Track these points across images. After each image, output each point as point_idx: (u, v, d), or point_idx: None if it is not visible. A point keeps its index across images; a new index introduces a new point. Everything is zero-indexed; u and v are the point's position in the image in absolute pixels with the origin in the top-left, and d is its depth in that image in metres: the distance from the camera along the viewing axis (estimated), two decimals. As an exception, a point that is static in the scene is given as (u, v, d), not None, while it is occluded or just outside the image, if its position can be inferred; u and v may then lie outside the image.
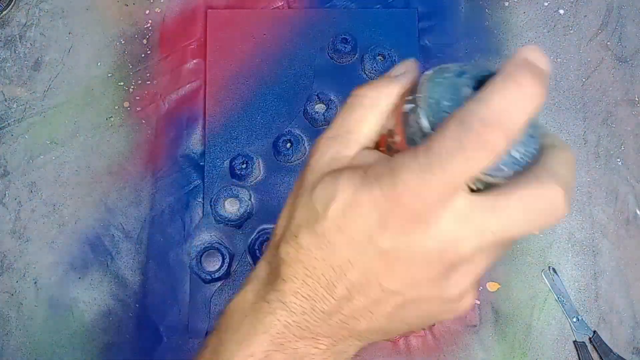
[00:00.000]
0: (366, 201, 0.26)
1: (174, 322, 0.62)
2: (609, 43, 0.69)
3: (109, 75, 0.67)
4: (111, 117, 0.66)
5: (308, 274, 0.29)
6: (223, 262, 0.62)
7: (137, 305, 0.62)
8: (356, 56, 0.67)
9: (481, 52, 0.68)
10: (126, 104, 0.66)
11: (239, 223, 0.63)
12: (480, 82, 0.27)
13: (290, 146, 0.64)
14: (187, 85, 0.67)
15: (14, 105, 0.66)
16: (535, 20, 0.69)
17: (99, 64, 0.67)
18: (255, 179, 0.64)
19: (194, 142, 0.66)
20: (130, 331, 0.61)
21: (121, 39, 0.68)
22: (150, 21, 0.68)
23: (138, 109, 0.66)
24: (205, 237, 0.63)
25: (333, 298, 0.29)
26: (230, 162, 0.64)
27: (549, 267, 0.64)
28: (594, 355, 0.61)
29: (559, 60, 0.69)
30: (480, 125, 0.23)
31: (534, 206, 0.26)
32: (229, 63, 0.67)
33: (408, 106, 0.30)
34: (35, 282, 0.62)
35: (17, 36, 0.68)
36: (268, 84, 0.67)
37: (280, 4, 0.69)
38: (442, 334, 0.62)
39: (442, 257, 0.26)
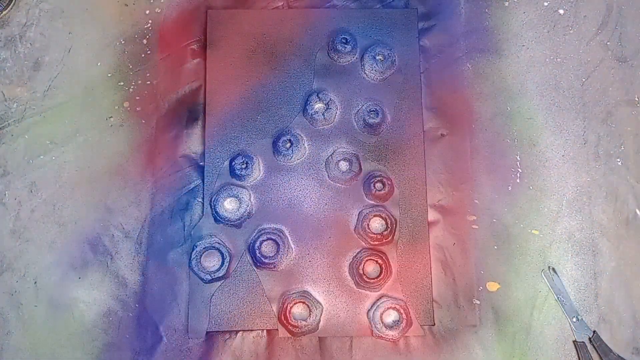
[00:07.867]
0: None
1: (174, 322, 0.62)
2: (609, 43, 0.69)
3: (109, 75, 0.67)
4: (111, 117, 0.66)
5: None
6: (223, 262, 0.62)
7: (137, 305, 0.62)
8: (356, 56, 0.67)
9: (481, 52, 0.68)
10: (126, 104, 0.66)
11: (239, 223, 0.63)
12: None
13: (290, 146, 0.64)
14: (187, 85, 0.67)
15: (14, 105, 0.66)
16: (535, 20, 0.70)
17: (99, 64, 0.67)
18: (255, 179, 0.65)
19: (194, 142, 0.66)
20: (130, 331, 0.61)
21: (121, 39, 0.68)
22: (150, 21, 0.69)
23: (138, 109, 0.66)
24: (205, 237, 0.63)
25: None
26: (230, 162, 0.64)
27: (549, 267, 0.64)
28: (594, 355, 0.61)
29: (559, 60, 0.69)
30: None
31: None
32: (229, 63, 0.67)
33: None
34: (35, 282, 0.62)
35: (17, 36, 0.68)
36: (268, 84, 0.67)
37: (280, 4, 0.69)
38: (442, 334, 0.62)
39: None
